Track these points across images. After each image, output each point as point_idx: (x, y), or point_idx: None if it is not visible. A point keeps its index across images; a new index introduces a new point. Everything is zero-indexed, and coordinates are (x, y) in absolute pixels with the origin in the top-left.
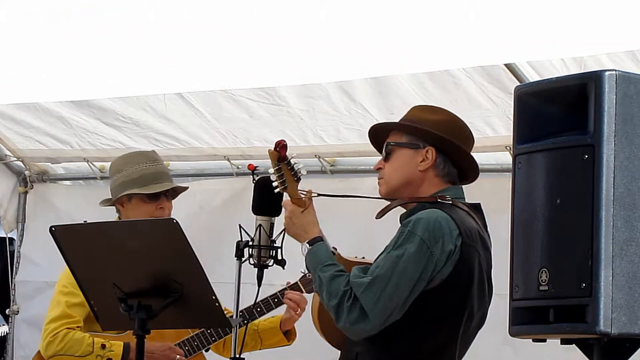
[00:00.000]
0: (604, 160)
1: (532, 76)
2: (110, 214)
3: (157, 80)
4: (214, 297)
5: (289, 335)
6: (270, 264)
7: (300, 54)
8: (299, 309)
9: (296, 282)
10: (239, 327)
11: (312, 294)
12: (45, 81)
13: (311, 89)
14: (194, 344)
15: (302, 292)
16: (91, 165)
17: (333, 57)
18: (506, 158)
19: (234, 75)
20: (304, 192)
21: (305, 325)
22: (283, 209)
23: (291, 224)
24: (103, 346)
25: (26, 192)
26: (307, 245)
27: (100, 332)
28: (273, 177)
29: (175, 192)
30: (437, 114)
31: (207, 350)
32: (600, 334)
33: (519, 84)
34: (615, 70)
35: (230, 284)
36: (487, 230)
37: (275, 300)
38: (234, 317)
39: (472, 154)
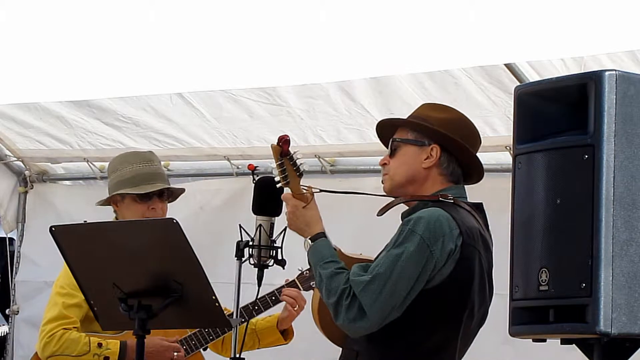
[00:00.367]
0: (604, 160)
1: (532, 76)
2: (110, 214)
3: (157, 80)
4: (214, 297)
5: (286, 334)
6: (270, 264)
7: (300, 54)
8: (297, 306)
9: (293, 280)
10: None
11: (313, 291)
12: (45, 81)
13: (311, 89)
14: (191, 342)
15: (299, 289)
16: (91, 165)
17: (333, 57)
18: (506, 158)
19: (234, 75)
20: (306, 188)
21: (305, 325)
22: (284, 208)
23: (294, 219)
24: (100, 345)
25: (26, 192)
26: (310, 241)
27: (97, 332)
28: (275, 172)
29: (174, 194)
30: (445, 113)
31: (205, 349)
32: (600, 334)
33: (519, 84)
34: (615, 70)
35: (230, 284)
36: (488, 230)
37: (272, 298)
38: (235, 317)
39: None
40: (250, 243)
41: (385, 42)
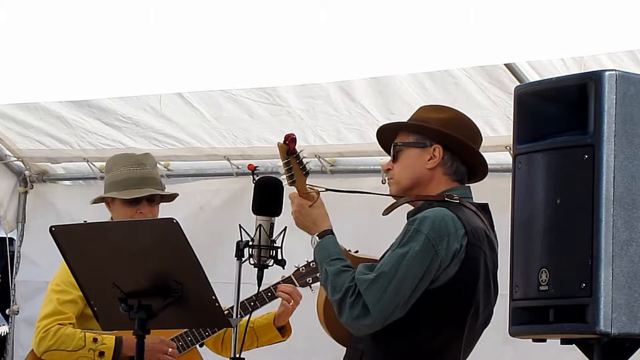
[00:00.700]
0: (604, 160)
1: (532, 76)
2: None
3: (157, 80)
4: (214, 297)
5: (283, 331)
6: (270, 264)
7: (300, 54)
8: (292, 301)
9: (289, 276)
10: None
11: (318, 290)
12: (45, 81)
13: (311, 89)
14: (187, 339)
15: (295, 285)
16: (91, 165)
17: (333, 57)
18: (506, 158)
19: (234, 75)
20: (312, 187)
21: (305, 324)
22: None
23: (300, 217)
24: (95, 340)
25: (26, 192)
26: (317, 238)
27: (93, 330)
28: (282, 171)
29: (171, 197)
30: (443, 112)
31: (201, 346)
32: (600, 334)
33: (519, 84)
34: (615, 70)
35: (230, 284)
36: (494, 231)
37: (268, 295)
38: (234, 316)
39: None
40: (250, 243)
41: (385, 42)
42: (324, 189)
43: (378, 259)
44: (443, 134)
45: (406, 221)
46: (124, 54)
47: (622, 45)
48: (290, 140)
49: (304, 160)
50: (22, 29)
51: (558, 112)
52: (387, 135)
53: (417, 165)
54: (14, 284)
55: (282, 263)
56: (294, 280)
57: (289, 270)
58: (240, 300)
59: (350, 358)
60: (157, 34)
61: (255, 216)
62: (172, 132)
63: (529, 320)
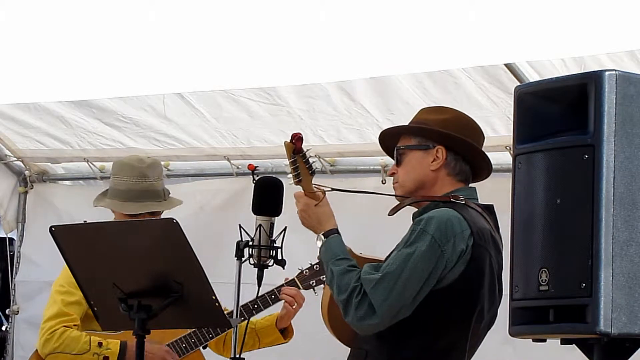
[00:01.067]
0: (604, 160)
1: (532, 76)
2: (110, 214)
3: (157, 80)
4: (214, 297)
5: (285, 333)
6: (270, 264)
7: (300, 54)
8: (296, 304)
9: (293, 279)
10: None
11: (323, 290)
12: (45, 81)
13: (311, 89)
14: (191, 341)
15: (299, 288)
16: (91, 165)
17: (333, 57)
18: (506, 158)
19: (234, 75)
20: (318, 187)
21: (306, 325)
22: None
23: (306, 217)
24: (100, 344)
25: (26, 192)
26: (322, 237)
27: (97, 331)
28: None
29: (171, 203)
30: (444, 113)
31: (204, 348)
32: (600, 334)
33: (519, 84)
34: (615, 70)
35: (230, 284)
36: (499, 232)
37: (272, 297)
38: (235, 316)
39: None
40: (250, 243)
41: (385, 42)
42: (330, 189)
43: (383, 259)
44: (445, 135)
45: (409, 222)
46: (124, 54)
47: (622, 45)
48: (297, 139)
49: (310, 160)
50: (22, 29)
51: (558, 112)
52: (390, 140)
53: (421, 167)
54: (14, 284)
55: (282, 263)
56: (298, 283)
57: (292, 273)
58: (244, 302)
59: (355, 358)
60: (157, 34)
61: (255, 216)
62: (172, 132)
63: (529, 320)
